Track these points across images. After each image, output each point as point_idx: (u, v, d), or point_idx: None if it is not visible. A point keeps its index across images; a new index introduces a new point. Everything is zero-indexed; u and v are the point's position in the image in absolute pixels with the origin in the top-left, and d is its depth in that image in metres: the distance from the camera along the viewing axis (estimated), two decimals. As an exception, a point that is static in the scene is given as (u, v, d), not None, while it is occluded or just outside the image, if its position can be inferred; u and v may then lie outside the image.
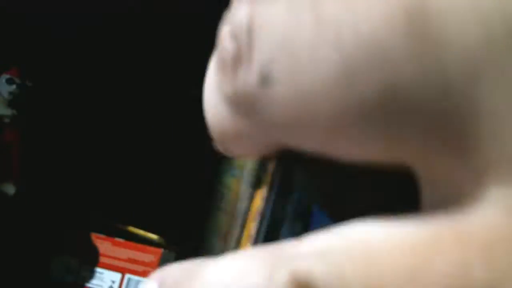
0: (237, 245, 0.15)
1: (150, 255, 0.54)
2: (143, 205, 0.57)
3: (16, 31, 0.54)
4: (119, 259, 0.54)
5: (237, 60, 0.09)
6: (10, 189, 0.56)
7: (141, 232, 0.56)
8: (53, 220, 0.56)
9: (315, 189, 0.12)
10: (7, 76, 0.54)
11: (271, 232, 0.13)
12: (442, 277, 0.07)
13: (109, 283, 0.54)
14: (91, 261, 0.54)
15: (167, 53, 0.55)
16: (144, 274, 0.53)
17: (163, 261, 0.53)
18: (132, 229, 0.56)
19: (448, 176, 0.07)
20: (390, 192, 0.10)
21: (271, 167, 0.13)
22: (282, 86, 0.08)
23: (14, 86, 0.55)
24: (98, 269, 0.54)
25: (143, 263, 0.53)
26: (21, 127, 0.56)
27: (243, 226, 0.14)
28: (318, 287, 0.07)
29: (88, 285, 0.54)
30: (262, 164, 0.14)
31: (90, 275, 0.54)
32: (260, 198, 0.13)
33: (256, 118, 0.09)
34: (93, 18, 0.53)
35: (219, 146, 0.11)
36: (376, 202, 0.10)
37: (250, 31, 0.08)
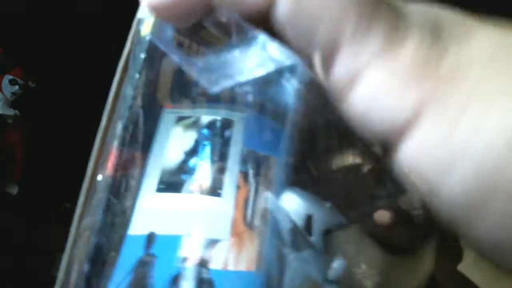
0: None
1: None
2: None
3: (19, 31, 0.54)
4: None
5: None
6: (13, 189, 0.56)
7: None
8: (58, 218, 0.57)
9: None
10: (10, 77, 0.55)
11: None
12: None
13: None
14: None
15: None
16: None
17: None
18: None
19: None
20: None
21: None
22: None
23: (17, 87, 0.55)
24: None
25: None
26: (24, 128, 0.57)
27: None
28: None
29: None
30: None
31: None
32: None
33: None
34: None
35: None
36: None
37: None
